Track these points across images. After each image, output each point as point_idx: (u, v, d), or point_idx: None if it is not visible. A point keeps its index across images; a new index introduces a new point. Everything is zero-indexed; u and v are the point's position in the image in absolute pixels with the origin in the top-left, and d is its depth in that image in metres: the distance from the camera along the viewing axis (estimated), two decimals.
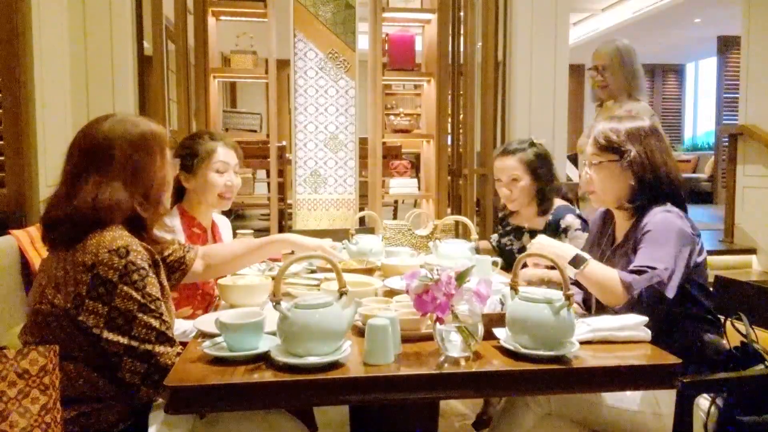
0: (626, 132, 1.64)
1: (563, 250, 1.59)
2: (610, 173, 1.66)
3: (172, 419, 1.33)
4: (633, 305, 1.46)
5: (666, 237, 1.54)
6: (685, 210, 1.65)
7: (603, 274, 1.52)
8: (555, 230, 2.21)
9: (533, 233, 2.26)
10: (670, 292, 1.48)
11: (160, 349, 1.29)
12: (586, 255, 1.54)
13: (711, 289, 1.62)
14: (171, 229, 1.48)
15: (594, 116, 2.94)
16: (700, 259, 1.59)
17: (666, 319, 1.41)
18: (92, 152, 1.35)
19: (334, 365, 1.18)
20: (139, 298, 1.28)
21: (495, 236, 2.50)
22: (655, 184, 1.62)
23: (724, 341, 1.62)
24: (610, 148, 1.65)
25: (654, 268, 1.47)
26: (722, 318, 1.66)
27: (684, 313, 1.57)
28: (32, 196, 2.65)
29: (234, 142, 2.02)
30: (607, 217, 1.82)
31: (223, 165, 1.93)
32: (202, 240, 1.95)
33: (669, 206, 1.60)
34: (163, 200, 1.44)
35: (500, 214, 2.51)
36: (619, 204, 1.68)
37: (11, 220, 2.55)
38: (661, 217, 1.57)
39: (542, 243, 1.67)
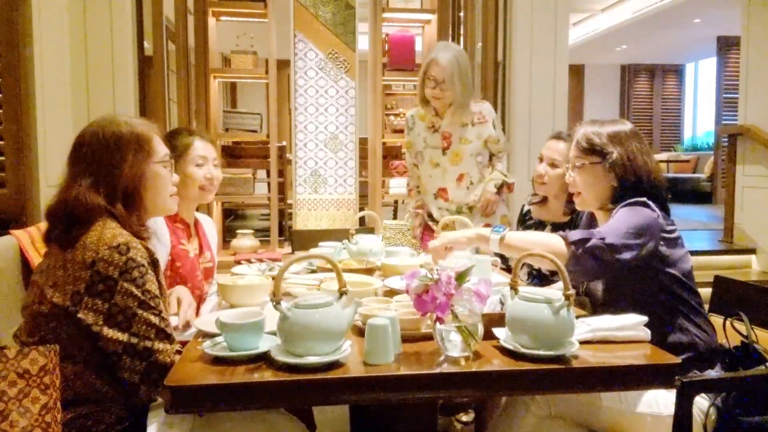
0: (608, 135, 1.67)
1: (477, 229, 1.71)
2: (593, 175, 1.68)
3: (171, 419, 1.33)
4: (578, 260, 1.50)
5: (624, 218, 1.57)
6: (665, 210, 1.66)
7: (535, 233, 1.63)
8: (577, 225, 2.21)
9: (555, 226, 2.28)
10: (617, 254, 1.50)
11: (159, 346, 1.30)
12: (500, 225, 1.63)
13: (693, 285, 1.62)
14: (149, 229, 1.48)
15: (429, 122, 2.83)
16: (676, 254, 1.59)
17: (650, 315, 1.42)
18: (72, 151, 1.41)
19: (334, 365, 1.18)
20: (139, 294, 1.28)
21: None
22: (636, 185, 1.64)
23: (714, 335, 1.62)
24: (592, 150, 1.68)
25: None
26: (722, 317, 1.66)
27: (666, 308, 1.58)
28: (32, 196, 2.65)
29: (212, 137, 2.07)
30: (593, 220, 1.84)
31: (202, 158, 1.96)
32: (186, 235, 1.96)
33: (646, 201, 1.61)
34: (141, 199, 1.43)
35: (529, 202, 2.46)
36: (600, 205, 1.71)
37: (11, 220, 2.55)
38: (630, 208, 1.60)
39: (448, 236, 1.72)
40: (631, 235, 1.53)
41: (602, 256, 1.49)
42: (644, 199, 1.61)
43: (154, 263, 1.37)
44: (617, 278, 1.61)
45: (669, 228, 1.60)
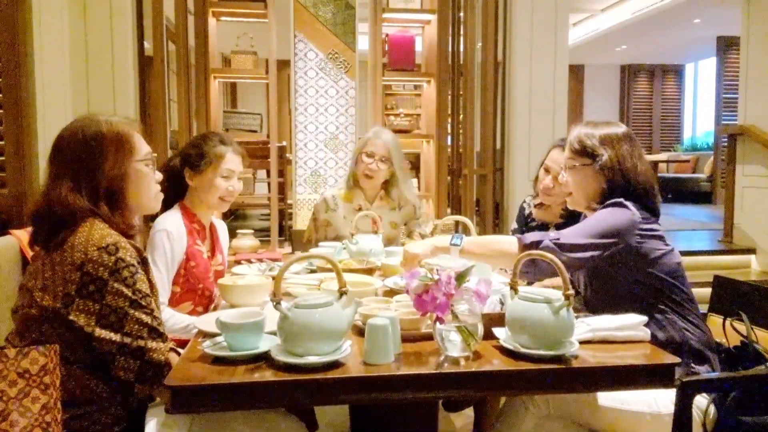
0: (600, 137, 1.69)
1: (434, 239, 1.75)
2: (584, 176, 1.70)
3: (169, 420, 1.33)
4: (531, 261, 1.52)
5: (594, 218, 1.61)
6: (652, 211, 1.66)
7: (491, 237, 1.73)
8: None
9: (558, 227, 2.28)
10: (571, 252, 1.54)
11: (152, 344, 1.30)
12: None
13: (678, 283, 1.62)
14: (140, 228, 1.47)
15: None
16: (657, 252, 1.59)
17: (639, 314, 1.42)
18: (53, 151, 1.39)
19: (334, 365, 1.19)
20: (129, 294, 1.28)
21: (515, 226, 2.50)
22: (624, 188, 1.65)
23: (708, 331, 1.63)
24: (583, 152, 1.70)
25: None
26: (722, 317, 1.66)
27: (654, 306, 1.58)
28: (32, 196, 2.65)
29: (241, 149, 2.05)
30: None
31: (229, 171, 1.98)
32: (201, 237, 1.97)
33: (622, 201, 1.62)
34: (124, 198, 1.40)
35: (531, 204, 2.46)
36: (588, 205, 1.73)
37: (11, 220, 2.55)
38: (607, 209, 1.62)
39: (413, 249, 1.70)
40: (595, 235, 1.56)
41: (556, 256, 1.50)
42: (621, 199, 1.62)
43: (143, 262, 1.36)
44: (598, 278, 1.63)
45: (646, 226, 1.60)
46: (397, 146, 2.65)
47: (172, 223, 1.85)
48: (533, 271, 1.57)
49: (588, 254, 1.55)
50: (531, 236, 1.60)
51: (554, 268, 1.53)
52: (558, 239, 1.56)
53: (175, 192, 1.95)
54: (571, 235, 1.59)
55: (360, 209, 2.66)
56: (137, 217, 1.49)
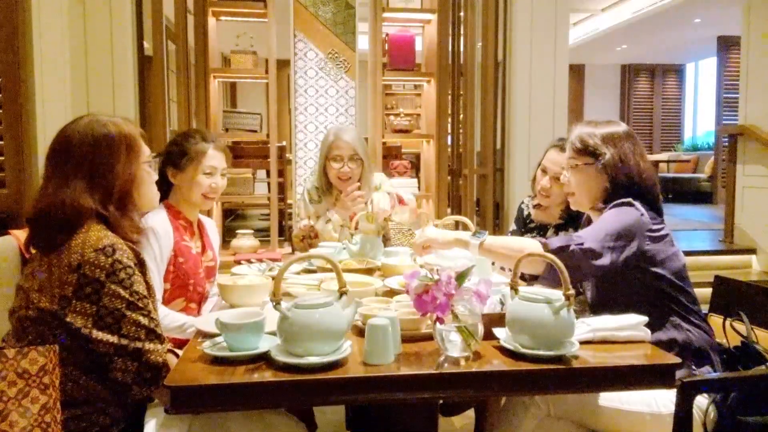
0: (601, 136, 1.68)
1: (458, 233, 1.72)
2: (586, 175, 1.70)
3: (168, 420, 1.33)
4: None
5: (607, 220, 1.59)
6: (656, 210, 1.65)
7: (515, 239, 1.70)
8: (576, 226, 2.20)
9: (557, 228, 2.30)
10: (595, 259, 1.52)
11: (149, 346, 1.29)
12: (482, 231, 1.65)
13: (683, 285, 1.62)
14: (141, 229, 1.46)
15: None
16: (663, 253, 1.59)
17: (642, 314, 1.42)
18: (56, 153, 1.38)
19: (334, 365, 1.18)
20: (126, 296, 1.28)
21: (514, 227, 2.49)
22: (628, 186, 1.65)
23: (710, 332, 1.63)
24: (585, 151, 1.69)
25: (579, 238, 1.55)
26: (722, 317, 1.66)
27: (657, 307, 1.58)
28: (32, 196, 2.64)
29: (224, 145, 2.05)
30: (591, 221, 1.84)
31: (212, 168, 1.97)
32: (189, 232, 1.96)
33: (631, 201, 1.62)
34: (132, 199, 1.41)
35: (530, 205, 2.46)
36: (593, 205, 1.73)
37: (11, 220, 2.55)
38: (616, 209, 1.61)
39: (432, 234, 1.74)
40: (611, 238, 1.55)
41: (580, 263, 1.50)
42: (629, 199, 1.61)
43: (141, 264, 1.36)
44: (605, 279, 1.62)
45: (655, 227, 1.60)
46: (361, 141, 2.61)
47: (156, 222, 1.83)
48: (553, 277, 1.52)
49: (608, 260, 1.53)
50: (557, 241, 1.57)
51: (576, 276, 1.53)
52: (582, 244, 1.53)
53: (159, 191, 1.94)
54: (590, 239, 1.55)
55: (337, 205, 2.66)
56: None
